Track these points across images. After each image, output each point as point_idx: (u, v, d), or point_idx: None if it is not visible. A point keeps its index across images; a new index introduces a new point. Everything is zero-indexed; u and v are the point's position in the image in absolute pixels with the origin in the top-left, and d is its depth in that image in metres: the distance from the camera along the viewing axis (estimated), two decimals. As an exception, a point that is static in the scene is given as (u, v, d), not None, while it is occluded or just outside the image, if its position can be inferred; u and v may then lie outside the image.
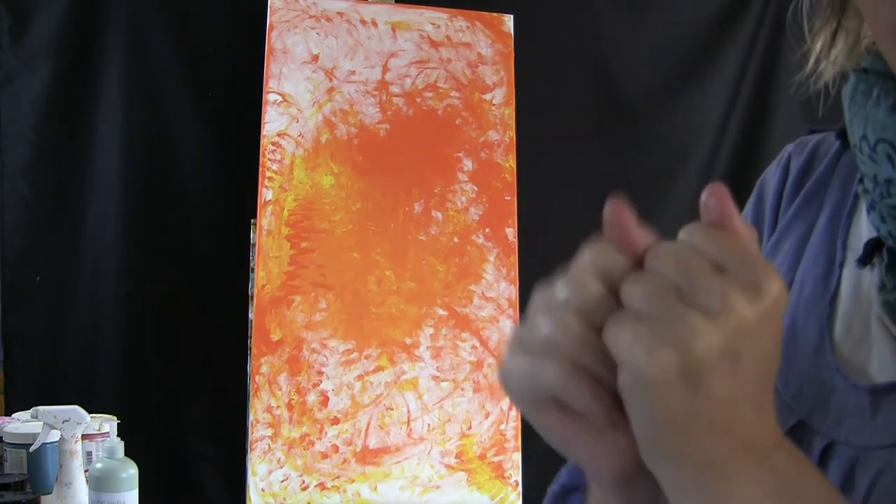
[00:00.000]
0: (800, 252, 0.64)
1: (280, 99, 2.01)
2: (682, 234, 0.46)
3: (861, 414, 0.55)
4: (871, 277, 0.59)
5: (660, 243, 0.45)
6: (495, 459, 2.00)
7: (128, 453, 1.60)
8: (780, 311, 0.45)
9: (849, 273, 0.60)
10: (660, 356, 0.42)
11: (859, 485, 0.53)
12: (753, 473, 0.45)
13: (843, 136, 0.62)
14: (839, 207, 0.63)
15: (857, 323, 0.58)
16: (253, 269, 1.97)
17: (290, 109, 2.01)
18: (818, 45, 0.64)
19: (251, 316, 1.95)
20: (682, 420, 0.43)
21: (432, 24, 2.12)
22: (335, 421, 1.94)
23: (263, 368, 1.91)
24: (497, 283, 2.06)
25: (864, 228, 0.61)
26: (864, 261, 0.59)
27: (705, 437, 0.44)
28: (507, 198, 2.10)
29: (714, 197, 0.46)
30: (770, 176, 0.69)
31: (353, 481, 1.93)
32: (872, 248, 0.58)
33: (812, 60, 0.65)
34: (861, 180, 0.58)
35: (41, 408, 1.60)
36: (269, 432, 1.90)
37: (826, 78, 0.65)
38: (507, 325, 2.05)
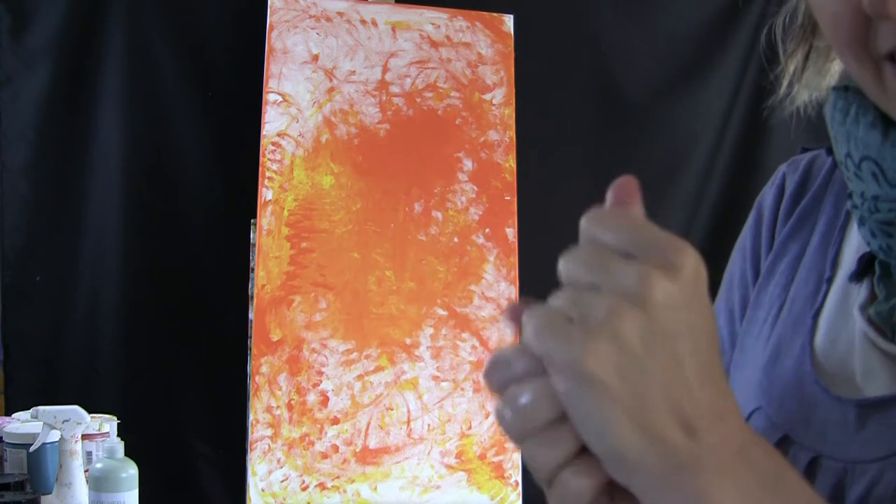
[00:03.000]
0: (793, 272, 0.64)
1: (280, 99, 2.01)
2: (583, 229, 0.44)
3: (845, 427, 0.55)
4: (857, 291, 0.59)
5: (566, 252, 0.44)
6: (495, 459, 2.00)
7: (128, 453, 1.60)
8: (702, 284, 0.42)
9: (836, 288, 0.60)
10: (593, 348, 0.39)
11: (850, 498, 0.53)
12: (730, 470, 0.41)
13: (833, 152, 0.63)
14: (832, 225, 0.63)
15: (843, 337, 0.58)
16: (253, 269, 1.97)
17: (290, 109, 2.01)
18: (791, 68, 0.64)
19: (251, 316, 1.95)
20: (634, 416, 0.40)
21: (432, 24, 2.12)
22: (335, 421, 1.94)
23: (263, 368, 1.91)
24: (497, 283, 2.06)
25: (855, 244, 0.61)
26: (859, 275, 0.58)
27: (665, 431, 0.40)
28: (507, 198, 2.10)
29: (618, 187, 0.45)
30: (766, 196, 0.69)
31: (353, 481, 1.93)
32: (866, 263, 0.58)
33: (786, 83, 0.65)
34: (850, 196, 0.58)
35: (41, 408, 1.60)
36: (269, 432, 1.90)
37: (799, 101, 0.65)
38: (507, 325, 2.04)
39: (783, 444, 0.57)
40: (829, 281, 0.61)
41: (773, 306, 0.64)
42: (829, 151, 0.63)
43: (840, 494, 0.53)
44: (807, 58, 0.64)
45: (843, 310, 0.59)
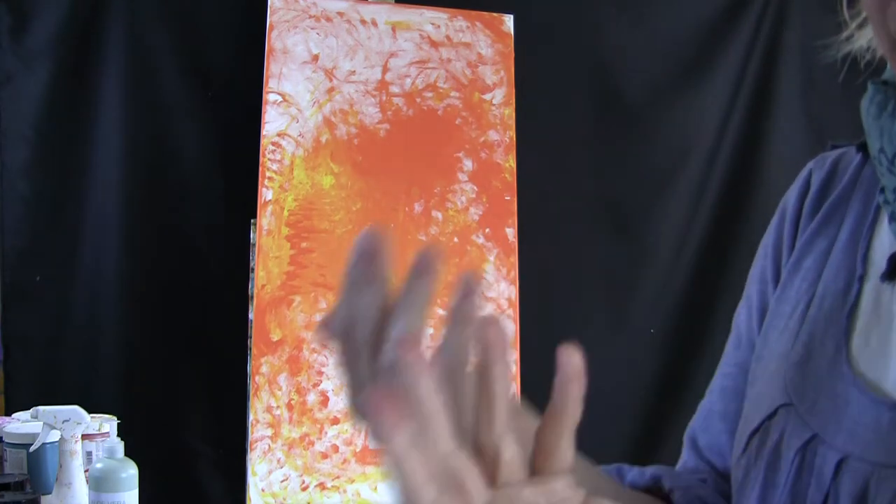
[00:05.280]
0: (821, 268, 0.63)
1: (280, 99, 2.01)
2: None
3: (877, 429, 0.54)
4: (891, 291, 0.58)
5: None
6: (495, 459, 2.00)
7: (128, 453, 1.60)
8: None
9: (869, 287, 0.60)
10: None
11: (876, 503, 0.52)
12: None
13: (863, 148, 0.62)
14: (860, 222, 0.63)
15: (876, 337, 0.57)
16: (253, 269, 1.97)
17: (290, 109, 2.01)
18: (858, 13, 0.63)
19: (251, 316, 1.95)
20: None
21: (432, 24, 2.12)
22: (335, 421, 1.94)
23: (263, 368, 1.91)
24: (497, 283, 2.06)
25: (885, 241, 0.60)
26: (889, 276, 0.58)
27: None
28: (507, 198, 2.10)
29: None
30: (791, 193, 0.69)
31: (353, 481, 1.93)
32: None
33: (852, 26, 0.63)
34: (882, 191, 0.58)
35: (41, 408, 1.60)
36: (269, 432, 1.90)
37: (856, 45, 0.63)
38: (507, 325, 2.04)
39: (813, 442, 0.56)
40: (861, 279, 0.60)
41: (799, 301, 0.63)
42: (859, 148, 0.63)
43: (865, 497, 0.53)
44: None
45: (877, 309, 0.58)
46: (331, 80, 2.04)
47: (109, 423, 1.77)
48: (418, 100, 2.09)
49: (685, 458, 0.72)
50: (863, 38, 0.63)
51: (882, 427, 0.54)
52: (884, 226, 0.61)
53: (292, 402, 1.92)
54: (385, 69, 2.08)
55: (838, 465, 0.55)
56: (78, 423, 1.59)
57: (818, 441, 0.56)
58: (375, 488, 1.94)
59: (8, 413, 1.96)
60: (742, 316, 0.69)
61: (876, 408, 0.55)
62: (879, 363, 0.56)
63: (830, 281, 0.62)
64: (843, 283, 0.61)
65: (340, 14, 2.07)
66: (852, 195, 0.64)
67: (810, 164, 0.69)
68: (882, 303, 0.58)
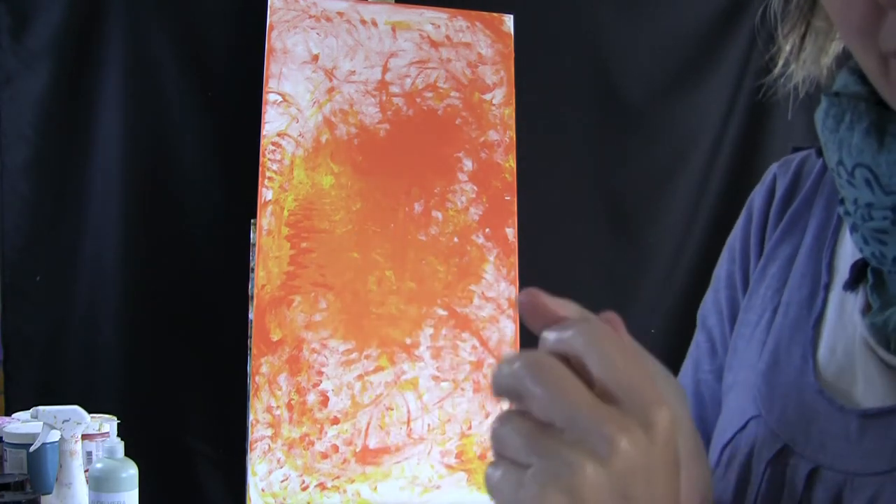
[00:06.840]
0: (786, 275, 0.63)
1: (280, 99, 2.01)
2: (556, 341, 0.43)
3: (847, 438, 0.54)
4: (854, 299, 0.58)
5: (535, 364, 0.42)
6: (495, 459, 2.00)
7: (128, 453, 1.60)
8: (670, 446, 0.42)
9: (834, 296, 0.59)
10: (549, 500, 0.39)
11: None
12: None
13: (823, 154, 0.62)
14: (824, 228, 0.63)
15: (841, 346, 0.57)
16: (253, 269, 1.97)
17: (290, 109, 2.01)
18: (788, 47, 0.63)
19: (251, 316, 1.95)
20: None
21: (432, 24, 2.12)
22: (335, 421, 1.94)
23: (263, 368, 1.91)
24: (497, 283, 2.06)
25: (849, 249, 0.60)
26: (852, 285, 0.58)
27: None
28: (507, 198, 2.10)
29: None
30: (756, 197, 0.69)
31: (353, 481, 1.93)
32: (859, 271, 0.58)
33: (781, 63, 0.64)
34: (842, 202, 0.57)
35: (41, 408, 1.60)
36: (269, 432, 1.90)
37: (795, 80, 0.64)
38: (507, 325, 2.05)
39: (783, 453, 0.56)
40: (827, 287, 0.60)
41: (765, 310, 0.63)
42: (820, 153, 0.62)
43: None
44: (803, 37, 0.63)
45: (842, 317, 0.58)
46: (331, 80, 2.04)
47: (109, 423, 1.77)
48: (418, 100, 2.09)
49: None
50: (799, 73, 0.63)
51: (851, 436, 0.54)
52: (847, 234, 0.61)
53: (292, 402, 1.92)
54: (385, 69, 2.08)
55: (810, 476, 0.55)
56: (78, 423, 1.60)
57: (788, 452, 0.56)
58: (375, 488, 1.94)
59: (8, 413, 1.96)
60: (713, 320, 0.69)
61: (844, 417, 0.55)
62: (846, 372, 0.56)
63: (795, 289, 0.62)
64: (808, 291, 0.61)
65: (340, 14, 2.07)
66: (815, 200, 0.64)
67: (774, 168, 0.69)
68: (846, 311, 0.58)
